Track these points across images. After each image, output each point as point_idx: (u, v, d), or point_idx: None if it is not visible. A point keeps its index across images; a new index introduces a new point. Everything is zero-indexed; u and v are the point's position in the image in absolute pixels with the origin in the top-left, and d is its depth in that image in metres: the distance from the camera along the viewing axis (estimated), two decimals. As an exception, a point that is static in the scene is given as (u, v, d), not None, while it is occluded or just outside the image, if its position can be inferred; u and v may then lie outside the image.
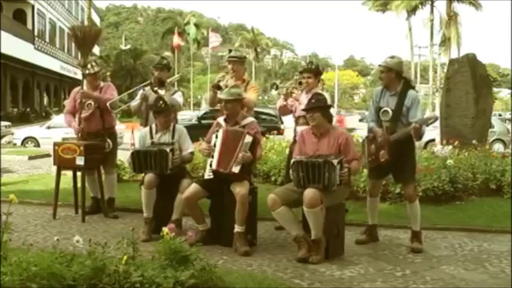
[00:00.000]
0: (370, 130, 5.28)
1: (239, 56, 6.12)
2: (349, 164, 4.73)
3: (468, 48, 35.69)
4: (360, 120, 32.67)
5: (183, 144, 5.61)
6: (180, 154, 5.48)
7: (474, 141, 8.95)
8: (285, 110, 6.01)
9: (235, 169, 4.92)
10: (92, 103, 6.41)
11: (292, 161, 4.78)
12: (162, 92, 6.18)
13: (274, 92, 5.78)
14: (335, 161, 4.52)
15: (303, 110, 5.19)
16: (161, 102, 5.61)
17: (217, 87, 5.80)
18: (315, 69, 5.78)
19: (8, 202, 3.17)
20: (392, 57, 5.22)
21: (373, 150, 5.10)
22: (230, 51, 6.26)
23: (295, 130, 5.77)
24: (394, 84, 5.13)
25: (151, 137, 5.64)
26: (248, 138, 4.98)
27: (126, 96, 8.96)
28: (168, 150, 5.28)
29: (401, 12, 39.12)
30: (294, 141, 5.75)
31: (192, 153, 5.73)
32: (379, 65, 5.25)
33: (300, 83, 5.85)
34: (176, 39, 46.83)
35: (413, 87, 5.27)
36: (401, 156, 5.05)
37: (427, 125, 4.94)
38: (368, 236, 5.36)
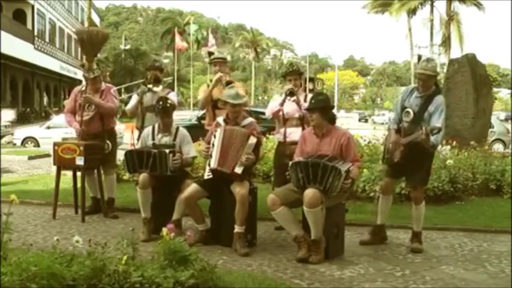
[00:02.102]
0: (388, 129, 5.31)
1: (223, 57, 6.34)
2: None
3: (468, 48, 35.66)
4: (359, 120, 32.59)
5: (183, 148, 5.57)
6: (181, 156, 5.45)
7: (473, 142, 8.92)
8: (278, 114, 5.78)
9: (238, 170, 4.91)
10: (93, 105, 6.40)
11: (290, 163, 4.77)
12: (157, 89, 6.21)
13: (291, 99, 5.66)
14: (343, 169, 4.51)
15: (305, 109, 5.20)
16: (168, 101, 5.61)
17: (228, 83, 5.86)
18: (299, 71, 5.91)
19: (9, 202, 3.16)
20: (428, 60, 5.14)
21: (391, 148, 5.09)
22: (211, 54, 6.42)
23: (285, 132, 5.68)
24: (428, 87, 5.03)
25: (153, 138, 5.63)
26: (252, 140, 4.97)
27: (126, 97, 8.99)
28: (167, 151, 5.27)
29: (400, 15, 39.19)
30: (280, 143, 5.75)
31: (193, 157, 5.70)
32: (422, 72, 4.95)
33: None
34: (179, 42, 46.86)
35: (440, 92, 5.22)
36: (417, 161, 5.00)
37: (432, 134, 4.73)
38: (373, 236, 5.33)
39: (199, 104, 6.56)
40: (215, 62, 6.23)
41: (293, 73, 5.76)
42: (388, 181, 5.38)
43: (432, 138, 4.76)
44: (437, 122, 4.85)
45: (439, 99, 5.01)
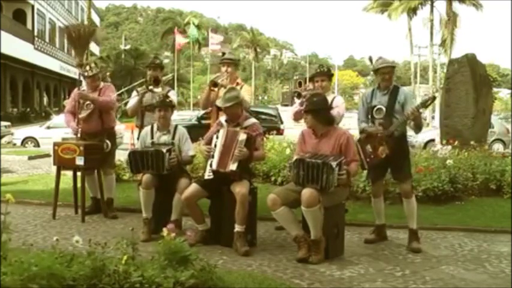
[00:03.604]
0: (362, 131, 5.28)
1: (233, 58, 6.25)
2: (348, 165, 4.72)
3: (468, 48, 35.73)
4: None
5: (182, 146, 5.60)
6: (179, 155, 5.46)
7: (472, 142, 8.92)
8: (300, 115, 5.90)
9: (233, 166, 4.91)
10: (91, 104, 6.40)
11: (294, 158, 4.78)
12: (157, 90, 6.21)
13: (298, 101, 5.64)
14: (334, 163, 4.50)
15: (300, 110, 5.21)
16: (168, 99, 5.63)
17: (214, 84, 5.84)
18: (328, 72, 5.80)
19: (6, 202, 3.15)
20: (380, 57, 5.33)
21: (369, 149, 5.10)
22: (224, 54, 6.35)
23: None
24: (391, 80, 5.23)
25: (152, 137, 5.64)
26: (242, 136, 4.96)
27: (126, 96, 8.99)
28: (164, 150, 5.27)
29: (400, 16, 39.18)
30: None
31: (193, 156, 5.72)
32: (384, 67, 5.20)
33: (300, 84, 5.84)
34: (179, 39, 46.84)
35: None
36: (398, 154, 5.08)
37: (426, 107, 5.03)
38: (377, 235, 5.38)
39: (200, 104, 6.59)
40: (224, 63, 6.15)
41: (321, 74, 5.70)
42: (375, 184, 5.42)
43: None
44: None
45: (405, 89, 5.25)
